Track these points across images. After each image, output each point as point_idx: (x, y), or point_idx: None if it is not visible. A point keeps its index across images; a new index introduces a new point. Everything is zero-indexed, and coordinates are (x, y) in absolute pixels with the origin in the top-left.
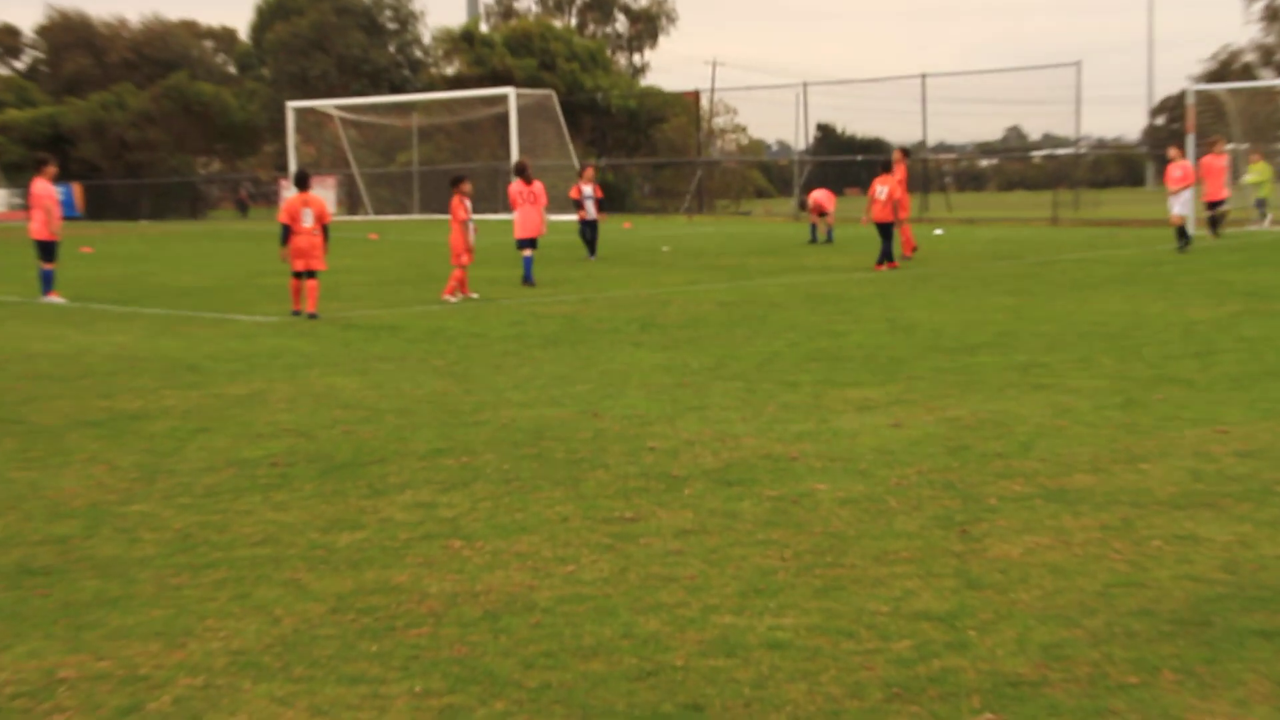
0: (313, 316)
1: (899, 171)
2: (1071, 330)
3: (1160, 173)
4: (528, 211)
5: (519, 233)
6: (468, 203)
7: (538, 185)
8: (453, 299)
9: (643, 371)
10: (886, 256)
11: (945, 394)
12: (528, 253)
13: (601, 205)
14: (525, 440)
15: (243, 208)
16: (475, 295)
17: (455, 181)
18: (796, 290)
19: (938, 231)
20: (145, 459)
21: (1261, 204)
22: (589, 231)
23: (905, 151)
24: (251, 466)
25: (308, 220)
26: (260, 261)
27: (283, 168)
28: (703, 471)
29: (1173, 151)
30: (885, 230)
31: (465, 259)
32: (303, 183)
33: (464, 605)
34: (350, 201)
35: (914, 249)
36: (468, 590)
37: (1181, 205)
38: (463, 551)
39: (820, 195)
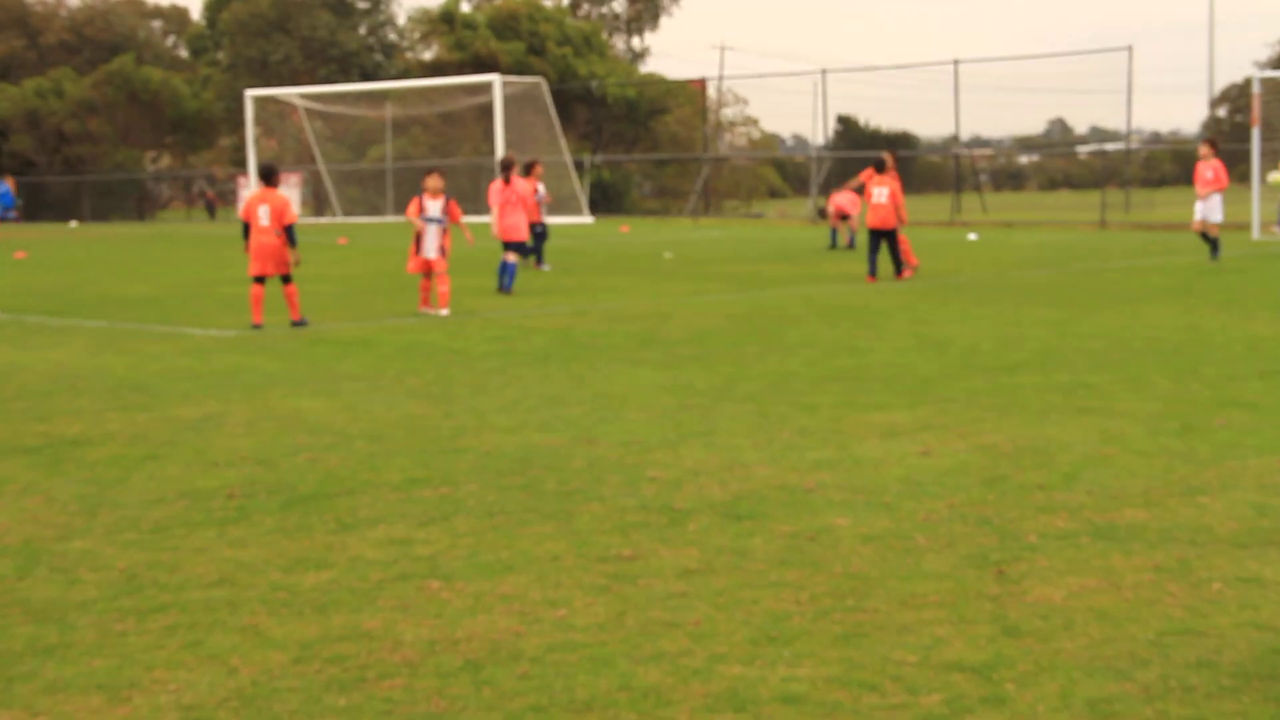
0: (298, 324)
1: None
2: (1121, 347)
3: (1224, 170)
4: (506, 212)
5: (500, 235)
6: (428, 201)
7: (521, 184)
8: (432, 312)
9: (642, 392)
10: (872, 267)
11: (980, 418)
12: (509, 257)
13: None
14: (511, 469)
15: (210, 208)
16: (440, 311)
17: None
18: (814, 302)
19: (972, 236)
20: (86, 490)
21: None
22: (539, 238)
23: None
24: (205, 498)
25: (264, 219)
26: (217, 268)
27: (241, 163)
28: (709, 504)
29: (1203, 149)
30: (890, 238)
31: (414, 265)
32: (267, 178)
33: (442, 654)
34: (316, 202)
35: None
36: (447, 637)
37: (1211, 211)
38: (441, 593)
39: (843, 199)
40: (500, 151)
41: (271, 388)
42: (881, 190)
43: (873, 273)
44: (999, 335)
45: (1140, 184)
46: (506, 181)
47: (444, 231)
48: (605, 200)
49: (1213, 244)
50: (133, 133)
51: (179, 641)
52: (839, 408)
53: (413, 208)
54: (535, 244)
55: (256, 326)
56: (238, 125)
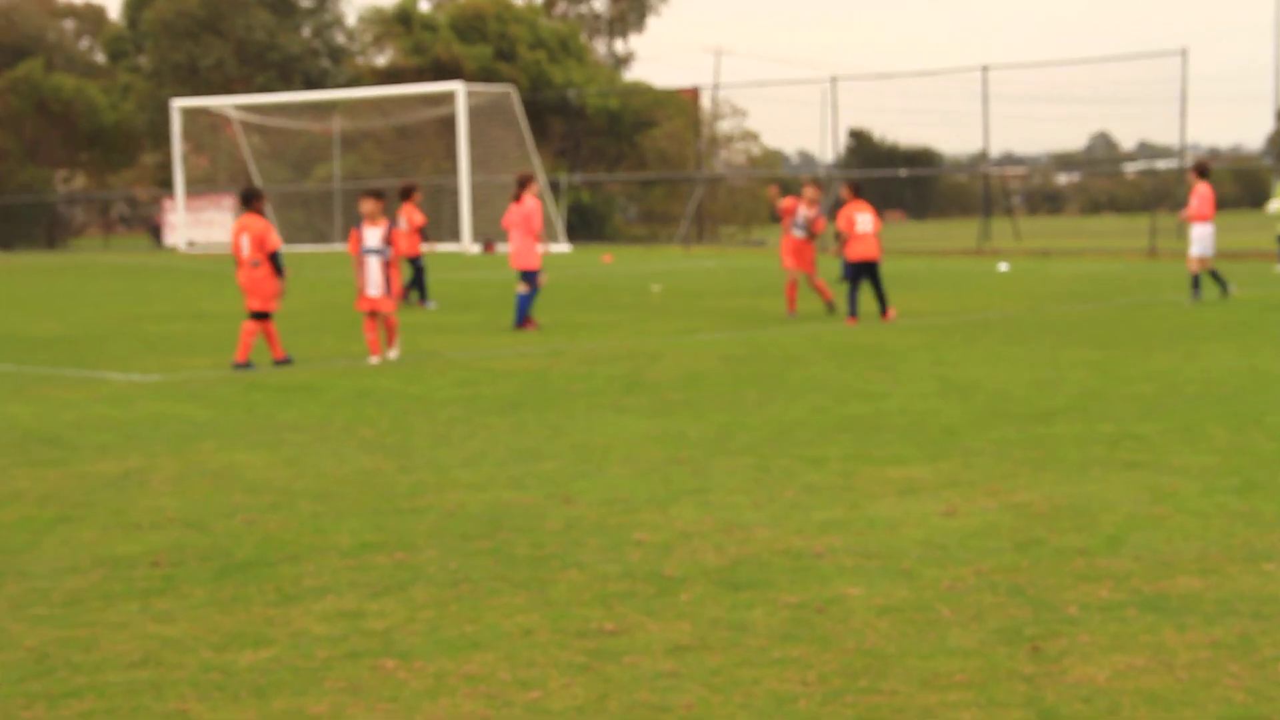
0: (241, 367)
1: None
2: (1173, 393)
3: (1212, 198)
4: (512, 238)
5: (510, 263)
6: (366, 229)
7: (528, 203)
8: (378, 358)
9: (627, 444)
10: (853, 305)
11: (1011, 473)
12: (519, 288)
13: (427, 235)
14: (478, 532)
15: (156, 234)
16: (389, 354)
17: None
18: (822, 341)
19: (1003, 266)
20: None
21: None
22: (419, 272)
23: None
24: (127, 566)
25: (245, 249)
26: (140, 303)
27: (166, 184)
28: (703, 571)
29: (1191, 174)
30: (872, 271)
31: (361, 303)
32: (248, 202)
33: None
34: None
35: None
36: None
37: (1200, 244)
38: (397, 673)
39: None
40: (464, 169)
41: (202, 439)
42: (865, 218)
43: (854, 313)
44: (1033, 379)
45: None
46: (516, 200)
47: (387, 264)
48: (585, 226)
49: (1195, 281)
50: (41, 149)
51: None
52: (850, 461)
53: (351, 241)
54: (415, 279)
55: (280, 362)
56: (163, 140)
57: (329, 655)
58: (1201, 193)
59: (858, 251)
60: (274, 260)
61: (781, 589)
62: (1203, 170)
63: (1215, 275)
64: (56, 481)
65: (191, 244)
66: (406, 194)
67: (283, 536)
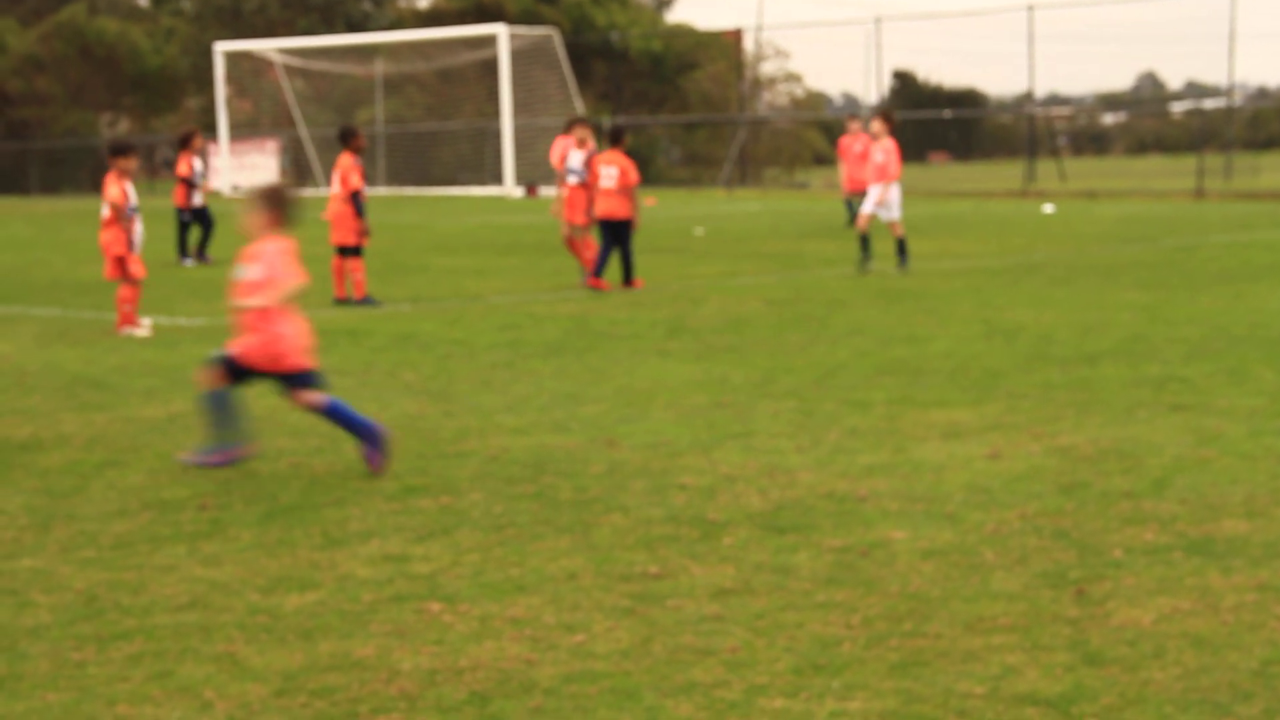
0: (360, 302)
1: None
2: (1220, 334)
3: (899, 154)
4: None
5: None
6: (129, 185)
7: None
8: (137, 330)
9: (670, 388)
10: (600, 266)
11: (1056, 416)
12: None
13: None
14: (522, 475)
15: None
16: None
17: (115, 153)
18: (866, 284)
19: (1048, 208)
20: (37, 501)
21: None
22: (185, 227)
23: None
24: (174, 510)
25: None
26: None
27: (210, 128)
28: (747, 515)
29: (875, 125)
30: (615, 231)
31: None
32: (343, 140)
33: (444, 685)
34: (297, 170)
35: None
36: (449, 666)
37: (889, 206)
38: (443, 617)
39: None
40: (507, 113)
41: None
42: (610, 171)
43: (598, 273)
44: (1078, 321)
45: (1243, 146)
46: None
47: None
48: None
49: (900, 248)
50: (86, 93)
51: (145, 672)
52: (894, 405)
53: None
54: (185, 232)
55: (342, 301)
56: (206, 84)
57: (374, 598)
58: (889, 148)
59: (598, 208)
60: (354, 200)
61: (825, 533)
62: (892, 122)
63: (864, 241)
64: (103, 425)
65: (235, 187)
66: (185, 142)
67: (328, 480)
